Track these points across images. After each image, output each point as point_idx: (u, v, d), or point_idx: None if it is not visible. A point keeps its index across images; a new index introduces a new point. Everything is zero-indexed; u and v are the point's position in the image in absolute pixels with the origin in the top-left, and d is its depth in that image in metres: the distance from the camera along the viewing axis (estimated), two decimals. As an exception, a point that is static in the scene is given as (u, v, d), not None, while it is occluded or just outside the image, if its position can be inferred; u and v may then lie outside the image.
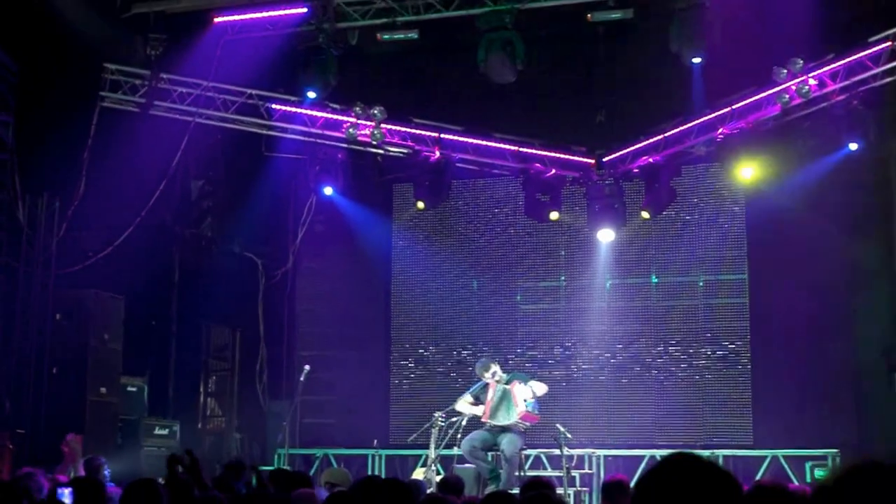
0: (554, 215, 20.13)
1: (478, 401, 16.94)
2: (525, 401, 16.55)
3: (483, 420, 16.70)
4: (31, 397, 17.26)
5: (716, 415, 20.20)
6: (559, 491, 15.57)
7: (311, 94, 18.93)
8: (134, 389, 18.95)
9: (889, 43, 16.87)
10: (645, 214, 19.94)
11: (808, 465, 17.80)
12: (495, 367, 16.91)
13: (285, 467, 18.12)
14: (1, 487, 7.52)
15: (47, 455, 15.87)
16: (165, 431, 18.97)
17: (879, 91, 17.49)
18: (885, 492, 2.35)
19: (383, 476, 17.97)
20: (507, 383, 16.80)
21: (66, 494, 8.63)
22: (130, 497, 7.26)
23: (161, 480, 15.30)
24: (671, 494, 3.09)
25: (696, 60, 17.29)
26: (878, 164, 18.70)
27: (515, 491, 14.30)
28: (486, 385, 16.84)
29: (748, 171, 19.04)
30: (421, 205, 20.36)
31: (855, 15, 18.33)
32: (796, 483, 15.90)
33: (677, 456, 3.21)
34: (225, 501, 8.54)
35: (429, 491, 13.17)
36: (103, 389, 17.83)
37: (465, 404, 16.95)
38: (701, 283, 20.68)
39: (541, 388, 16.85)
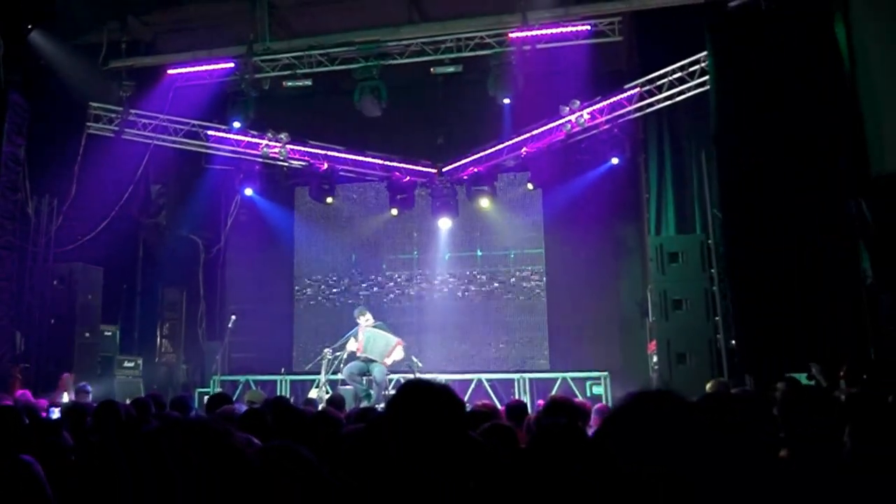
0: (404, 212, 21.69)
1: (355, 339, 17.88)
2: (392, 363, 17.69)
3: (357, 354, 17.70)
4: (35, 340, 18.16)
5: (523, 348, 21.51)
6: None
7: (237, 124, 19.94)
8: (109, 334, 19.77)
9: (638, 90, 18.38)
10: (472, 205, 21.18)
11: (587, 384, 18.94)
12: (367, 315, 18.14)
13: (218, 390, 19.32)
14: (7, 408, 6.68)
15: (46, 382, 16.82)
16: (132, 364, 19.84)
17: (632, 122, 19.03)
18: (658, 410, 2.47)
19: (289, 395, 19.44)
20: (374, 328, 17.96)
21: (55, 412, 9.39)
22: (101, 412, 7.51)
23: (128, 401, 16.31)
24: (412, 409, 3.33)
25: (506, 101, 18.59)
26: (632, 172, 20.03)
27: (382, 405, 15.91)
28: (359, 327, 17.92)
29: (543, 178, 20.34)
30: (319, 197, 21.43)
31: (614, 70, 19.82)
32: (580, 397, 17.23)
33: (415, 382, 3.57)
34: (178, 419, 8.35)
35: (320, 407, 12.94)
36: (87, 334, 18.81)
37: (351, 342, 17.85)
38: (511, 256, 22.00)
39: (402, 356, 17.95)
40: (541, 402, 14.70)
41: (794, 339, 12.45)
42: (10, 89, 16.87)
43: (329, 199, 21.61)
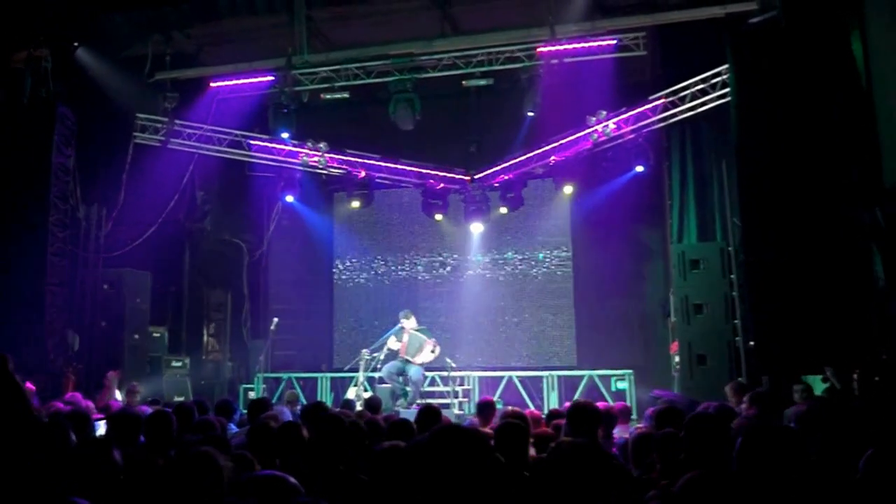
0: (438, 217, 21.68)
1: (397, 339, 18.02)
2: (422, 363, 17.76)
3: (400, 355, 17.86)
4: (86, 342, 18.31)
5: (552, 346, 21.79)
6: (448, 401, 17.80)
7: (285, 135, 19.94)
8: (158, 335, 19.94)
9: (662, 101, 18.42)
10: (503, 210, 21.22)
11: (612, 380, 18.72)
12: (412, 318, 18.28)
13: (262, 387, 19.80)
14: (54, 425, 6.04)
15: (97, 383, 16.83)
16: (180, 364, 19.96)
17: (656, 132, 19.03)
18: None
19: (329, 392, 19.81)
20: (417, 331, 18.06)
21: (100, 426, 8.08)
22: (151, 424, 7.18)
23: (181, 398, 16.34)
24: (445, 457, 3.28)
25: (530, 114, 18.66)
26: (656, 180, 19.96)
27: (419, 401, 16.27)
28: (403, 329, 18.05)
29: (570, 185, 20.25)
30: (356, 203, 21.36)
31: (639, 82, 19.66)
32: (605, 393, 18.06)
33: (447, 428, 3.51)
34: (221, 423, 8.37)
35: (358, 406, 14.03)
36: (136, 336, 18.99)
37: (392, 340, 18.00)
38: (541, 257, 22.28)
39: (431, 357, 17.89)
40: (568, 404, 14.56)
41: (810, 342, 12.45)
42: (59, 103, 17.09)
43: (367, 205, 21.72)
